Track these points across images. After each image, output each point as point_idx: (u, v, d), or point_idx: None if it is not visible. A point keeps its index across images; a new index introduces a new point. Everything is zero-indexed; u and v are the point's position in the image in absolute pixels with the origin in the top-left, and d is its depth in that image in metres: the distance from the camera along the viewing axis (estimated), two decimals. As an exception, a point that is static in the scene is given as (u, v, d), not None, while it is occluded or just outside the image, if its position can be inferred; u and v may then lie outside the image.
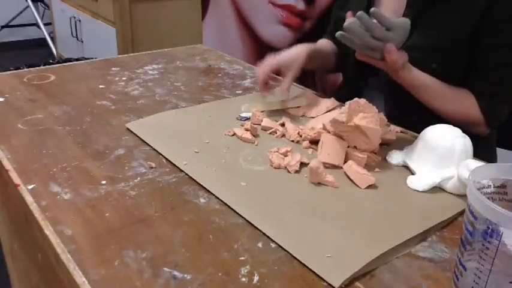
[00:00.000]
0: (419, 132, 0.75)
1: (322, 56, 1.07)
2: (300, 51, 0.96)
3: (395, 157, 0.76)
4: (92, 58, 1.33)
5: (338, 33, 0.82)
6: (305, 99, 0.96)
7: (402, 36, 0.81)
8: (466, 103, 0.90)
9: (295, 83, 1.11)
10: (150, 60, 1.23)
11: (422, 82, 0.88)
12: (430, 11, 0.91)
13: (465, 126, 0.90)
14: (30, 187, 0.66)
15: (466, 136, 0.71)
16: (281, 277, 0.52)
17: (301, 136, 0.82)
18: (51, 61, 2.22)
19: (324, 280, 0.51)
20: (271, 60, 0.94)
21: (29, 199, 0.63)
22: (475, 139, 0.72)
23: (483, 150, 0.80)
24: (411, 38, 0.92)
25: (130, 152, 0.77)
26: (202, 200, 0.65)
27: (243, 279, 0.51)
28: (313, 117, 0.92)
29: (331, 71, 1.15)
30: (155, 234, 0.57)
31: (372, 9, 0.78)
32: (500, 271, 0.44)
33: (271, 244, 0.57)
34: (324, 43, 1.11)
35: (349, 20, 0.79)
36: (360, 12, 0.77)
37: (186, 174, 0.70)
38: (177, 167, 0.72)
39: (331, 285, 0.50)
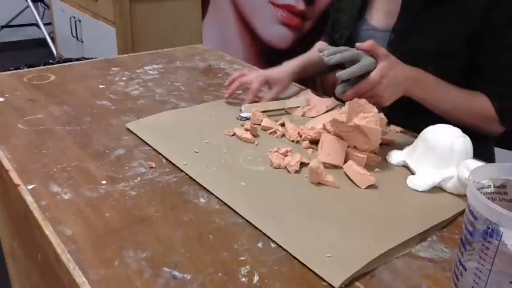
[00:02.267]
0: (419, 132, 0.75)
1: (315, 65, 1.08)
2: (286, 70, 1.01)
3: (395, 157, 0.76)
4: (92, 58, 1.33)
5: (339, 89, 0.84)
6: (305, 99, 0.96)
7: (370, 61, 0.82)
8: (479, 101, 0.90)
9: (295, 83, 1.12)
10: (150, 60, 1.23)
11: (431, 79, 0.88)
12: (426, 14, 0.90)
13: (479, 125, 0.90)
14: (30, 187, 0.66)
15: (466, 136, 0.71)
16: (281, 277, 0.52)
17: (301, 136, 0.82)
18: (51, 61, 2.22)
19: (324, 280, 0.51)
20: (260, 73, 0.98)
21: (29, 199, 0.63)
22: (474, 138, 0.72)
23: (482, 150, 0.80)
24: (408, 41, 0.92)
25: (130, 152, 0.77)
26: (202, 200, 0.65)
27: (243, 279, 0.51)
28: (313, 117, 0.92)
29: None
30: (155, 234, 0.57)
31: (338, 75, 0.82)
32: (500, 271, 0.44)
33: (271, 244, 0.57)
34: (320, 46, 1.12)
35: (338, 73, 0.82)
36: (333, 62, 0.82)
37: (186, 174, 0.70)
38: (177, 167, 0.72)
39: (331, 285, 0.50)
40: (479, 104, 0.90)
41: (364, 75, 0.81)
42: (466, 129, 0.73)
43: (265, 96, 0.97)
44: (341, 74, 0.82)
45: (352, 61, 0.82)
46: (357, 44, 0.84)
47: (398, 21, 0.93)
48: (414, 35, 0.92)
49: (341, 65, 0.85)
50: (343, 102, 0.82)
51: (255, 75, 0.98)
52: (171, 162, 0.74)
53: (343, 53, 0.83)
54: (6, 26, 3.94)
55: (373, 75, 0.81)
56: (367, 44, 0.83)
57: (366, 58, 0.82)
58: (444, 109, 0.90)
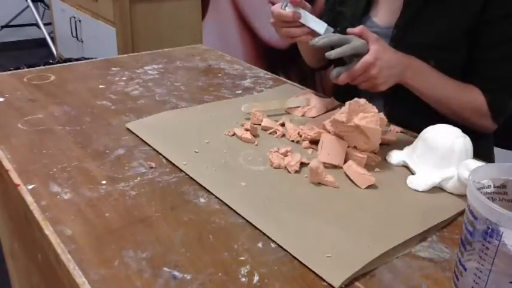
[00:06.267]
0: (419, 132, 0.75)
1: None
2: None
3: (395, 157, 0.76)
4: (92, 58, 1.33)
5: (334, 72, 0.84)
6: (305, 99, 0.96)
7: (361, 42, 0.83)
8: (472, 94, 0.91)
9: (295, 83, 1.12)
10: (150, 60, 1.23)
11: (426, 66, 0.89)
12: (427, 9, 0.91)
13: (470, 119, 0.90)
14: (30, 187, 0.66)
15: (466, 136, 0.71)
16: (281, 277, 0.52)
17: (301, 136, 0.82)
18: (51, 61, 2.22)
19: (324, 280, 0.51)
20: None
21: (29, 199, 0.63)
22: (475, 138, 0.73)
23: (481, 150, 0.80)
24: (409, 36, 0.93)
25: (130, 152, 0.77)
26: (202, 200, 0.65)
27: (243, 279, 0.51)
28: (313, 117, 0.92)
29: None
30: (155, 234, 0.57)
31: (327, 54, 0.83)
32: (500, 271, 0.44)
33: (271, 244, 0.57)
34: None
35: (327, 53, 0.84)
36: (321, 43, 0.84)
37: (186, 174, 0.70)
38: (177, 167, 0.72)
39: (331, 285, 0.50)
40: (472, 96, 0.91)
41: (357, 59, 0.82)
42: (465, 129, 0.73)
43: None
44: (330, 53, 0.82)
45: (341, 44, 0.83)
46: (348, 30, 0.84)
47: (400, 17, 0.94)
48: (416, 29, 0.92)
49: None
50: (343, 102, 0.82)
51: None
52: (171, 162, 0.74)
53: (330, 36, 0.84)
54: (6, 26, 3.94)
55: (367, 56, 0.81)
56: (358, 28, 0.83)
57: (357, 40, 0.82)
58: (437, 97, 0.90)
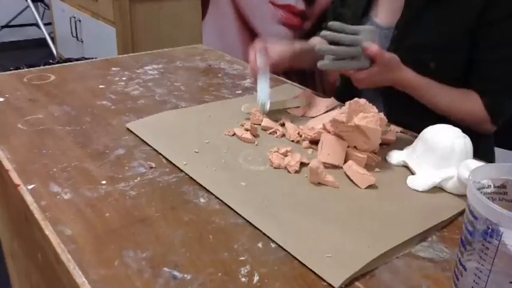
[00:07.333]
0: (419, 132, 0.75)
1: (312, 56, 1.07)
2: (285, 50, 0.97)
3: (395, 157, 0.76)
4: (92, 58, 1.33)
5: (321, 64, 0.84)
6: (305, 99, 0.96)
7: (371, 37, 0.82)
8: (470, 102, 0.91)
9: (295, 83, 1.12)
10: (150, 60, 1.23)
11: (422, 83, 0.89)
12: (428, 10, 0.91)
13: (471, 125, 0.90)
14: (30, 187, 0.66)
15: (466, 136, 0.71)
16: (281, 277, 0.52)
17: (301, 136, 0.82)
18: (51, 61, 2.22)
19: (324, 280, 0.51)
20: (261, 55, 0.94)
21: (29, 199, 0.63)
22: (475, 138, 0.73)
23: (482, 150, 0.80)
24: (410, 37, 0.93)
25: (130, 152, 0.77)
26: (202, 200, 0.65)
27: (243, 279, 0.51)
28: (313, 117, 0.92)
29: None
30: (155, 234, 0.57)
31: (330, 23, 0.83)
32: (500, 271, 0.44)
33: (271, 244, 0.57)
34: (316, 42, 1.11)
35: (318, 46, 0.84)
36: (322, 32, 0.83)
37: (186, 174, 0.70)
38: (177, 167, 0.72)
39: (331, 285, 0.50)
40: (469, 106, 0.91)
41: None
42: (465, 129, 0.73)
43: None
44: (329, 49, 0.83)
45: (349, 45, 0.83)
46: (365, 45, 0.82)
47: (401, 18, 0.94)
48: (416, 30, 0.92)
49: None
50: (343, 102, 0.82)
51: (252, 61, 0.94)
52: (171, 162, 0.74)
53: (341, 34, 0.83)
54: (6, 26, 3.94)
55: (360, 75, 0.84)
56: (374, 49, 0.81)
57: (363, 60, 0.83)
58: (434, 109, 0.91)
